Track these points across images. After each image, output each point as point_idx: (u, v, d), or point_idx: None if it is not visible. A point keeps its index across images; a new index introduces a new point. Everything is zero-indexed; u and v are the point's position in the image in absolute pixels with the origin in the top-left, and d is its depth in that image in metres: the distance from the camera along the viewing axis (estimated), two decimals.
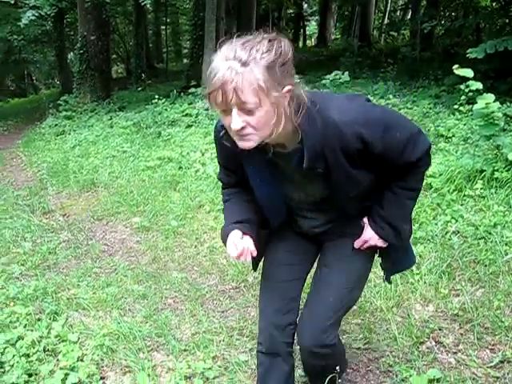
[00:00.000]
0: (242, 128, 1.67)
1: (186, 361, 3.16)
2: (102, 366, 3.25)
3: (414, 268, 3.80)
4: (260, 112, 1.65)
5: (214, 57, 1.66)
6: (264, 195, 2.07)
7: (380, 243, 2.12)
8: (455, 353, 3.09)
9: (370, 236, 2.11)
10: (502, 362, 2.95)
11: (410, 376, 2.86)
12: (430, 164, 2.05)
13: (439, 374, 2.86)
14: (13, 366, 3.18)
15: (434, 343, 3.18)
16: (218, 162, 2.19)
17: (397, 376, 2.91)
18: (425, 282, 3.73)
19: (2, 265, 4.85)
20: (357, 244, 2.16)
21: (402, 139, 1.85)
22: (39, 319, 3.75)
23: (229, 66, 1.59)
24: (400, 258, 2.31)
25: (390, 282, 2.48)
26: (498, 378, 2.84)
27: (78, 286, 4.32)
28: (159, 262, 4.76)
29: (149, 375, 3.05)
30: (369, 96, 2.28)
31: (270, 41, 1.64)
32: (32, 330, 3.57)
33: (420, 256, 4.02)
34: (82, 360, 3.25)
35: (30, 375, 3.13)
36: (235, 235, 2.00)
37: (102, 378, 3.12)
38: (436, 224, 4.40)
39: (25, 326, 3.65)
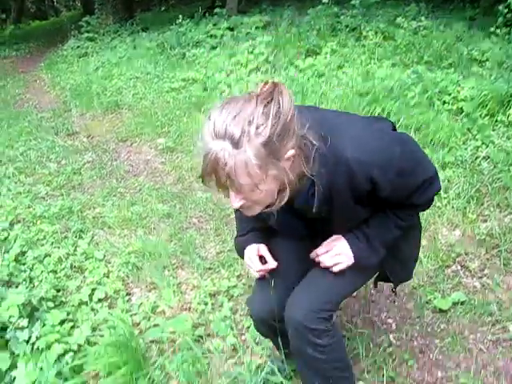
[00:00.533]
0: (242, 205, 1.56)
1: (210, 279, 3.17)
2: (128, 283, 3.28)
3: (441, 192, 3.73)
4: (259, 190, 1.49)
5: (204, 128, 1.46)
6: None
7: (346, 260, 1.90)
8: (480, 277, 3.04)
9: (340, 249, 1.90)
10: None
11: (435, 298, 2.84)
12: (430, 206, 1.92)
13: (463, 297, 2.82)
14: (41, 281, 3.24)
15: (459, 267, 3.12)
16: None
17: (421, 298, 2.88)
18: (452, 207, 3.63)
19: (28, 185, 4.88)
20: (320, 251, 1.94)
21: (413, 186, 1.73)
22: (65, 237, 3.79)
23: (220, 147, 1.40)
24: (397, 271, 2.11)
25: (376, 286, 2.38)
26: None
27: (103, 206, 4.33)
28: (184, 182, 4.72)
29: (174, 292, 3.07)
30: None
31: (265, 105, 1.42)
32: (59, 248, 3.62)
33: (448, 181, 3.90)
34: (107, 277, 3.29)
35: (58, 290, 3.18)
36: (251, 252, 2.00)
37: (127, 294, 3.15)
38: (466, 149, 4.25)
39: (51, 244, 3.70)
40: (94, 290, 3.15)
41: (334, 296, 1.93)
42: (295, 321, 1.85)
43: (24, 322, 2.69)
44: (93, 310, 2.99)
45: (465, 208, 3.60)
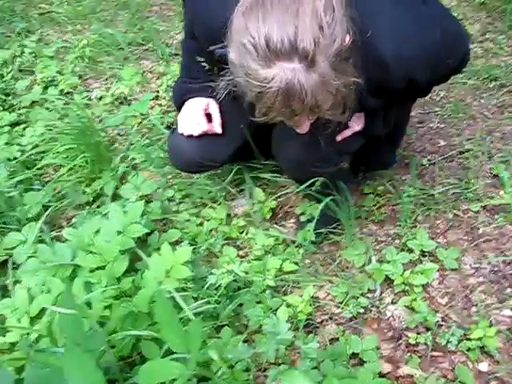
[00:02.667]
0: None
1: (178, 63, 2.75)
2: (86, 79, 2.86)
3: None
4: (337, 102, 1.12)
5: (241, 48, 1.04)
6: None
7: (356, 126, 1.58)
8: (481, 42, 2.73)
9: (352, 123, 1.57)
10: None
11: None
12: None
13: None
14: None
15: None
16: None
17: None
18: None
19: None
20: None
21: (451, 66, 1.38)
22: (9, 36, 3.28)
23: (290, 71, 1.01)
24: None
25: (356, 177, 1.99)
26: None
27: (50, 3, 3.74)
28: None
29: (138, 82, 2.67)
30: None
31: None
32: (3, 51, 3.12)
33: None
34: (61, 74, 2.85)
35: (6, 94, 2.77)
36: (198, 106, 1.62)
37: (86, 91, 2.74)
38: None
39: None
40: (46, 87, 2.75)
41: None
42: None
43: None
44: (47, 109, 2.60)
45: None
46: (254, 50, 1.01)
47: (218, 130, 1.62)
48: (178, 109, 1.67)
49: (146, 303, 1.24)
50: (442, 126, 2.21)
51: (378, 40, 1.22)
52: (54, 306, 1.40)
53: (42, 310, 1.50)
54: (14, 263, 1.73)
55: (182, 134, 1.63)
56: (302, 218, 1.83)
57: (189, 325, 0.90)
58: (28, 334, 1.46)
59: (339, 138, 1.57)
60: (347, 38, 1.07)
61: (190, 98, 1.64)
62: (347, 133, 1.58)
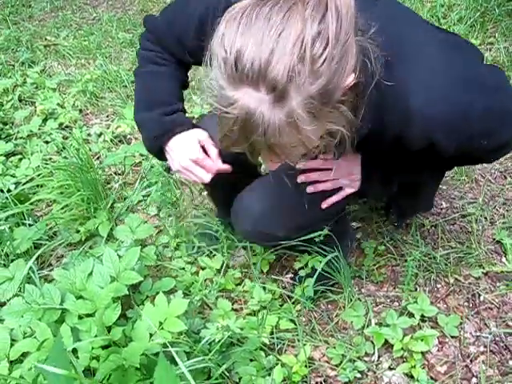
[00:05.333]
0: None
1: None
2: (86, 114, 2.84)
3: (440, 17, 3.27)
4: (308, 146, 0.97)
5: (214, 58, 0.90)
6: None
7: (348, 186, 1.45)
8: None
9: (343, 181, 1.44)
10: None
11: None
12: None
13: None
14: None
15: None
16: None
17: None
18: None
19: None
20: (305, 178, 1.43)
21: (489, 148, 1.19)
22: (13, 66, 3.26)
23: (256, 101, 0.86)
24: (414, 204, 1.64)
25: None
26: None
27: (56, 36, 3.76)
28: (148, 12, 4.12)
29: None
30: None
31: (321, 19, 0.84)
32: (4, 79, 3.11)
33: (448, 8, 3.41)
34: (62, 106, 2.83)
35: (4, 123, 2.73)
36: (195, 140, 1.38)
37: (86, 126, 2.71)
38: None
39: None
40: (45, 119, 2.71)
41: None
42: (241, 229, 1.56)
43: None
44: (45, 142, 2.56)
45: (467, 34, 3.14)
46: (224, 64, 0.87)
47: (222, 166, 1.39)
48: (158, 152, 1.44)
49: (137, 357, 1.18)
50: (445, 187, 2.18)
51: (410, 89, 1.06)
52: (38, 353, 1.35)
53: (23, 354, 1.43)
54: None
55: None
56: (301, 273, 1.78)
57: None
58: (6, 380, 1.38)
59: (324, 205, 1.44)
60: (348, 79, 0.92)
61: (174, 134, 1.38)
62: (335, 198, 1.44)
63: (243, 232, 1.59)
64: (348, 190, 1.44)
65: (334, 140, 1.02)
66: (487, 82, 1.13)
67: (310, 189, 1.42)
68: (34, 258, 1.68)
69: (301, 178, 1.40)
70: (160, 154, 1.44)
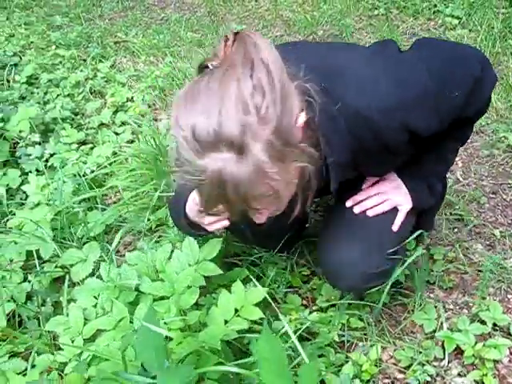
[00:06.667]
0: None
1: None
2: (156, 109, 2.89)
3: None
4: (284, 191, 1.07)
5: (174, 142, 0.99)
6: None
7: (404, 204, 1.50)
8: None
9: (396, 198, 1.48)
10: None
11: (506, 138, 2.44)
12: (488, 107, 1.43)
13: None
14: (57, 104, 2.83)
15: None
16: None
17: (491, 136, 2.51)
18: None
19: (43, 16, 4.38)
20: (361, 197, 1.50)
21: (461, 100, 1.25)
22: (84, 61, 3.35)
23: (220, 162, 0.94)
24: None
25: None
26: None
27: (126, 34, 3.85)
28: (216, 14, 4.19)
29: None
30: None
31: (251, 75, 0.94)
32: (76, 72, 3.19)
33: None
34: (131, 100, 2.88)
35: (75, 114, 2.81)
36: None
37: (154, 120, 2.76)
38: None
39: (68, 69, 3.27)
40: (115, 112, 2.77)
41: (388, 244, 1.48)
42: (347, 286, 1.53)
43: (36, 138, 2.35)
44: (115, 133, 2.61)
45: None
46: (185, 141, 0.95)
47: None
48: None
49: (217, 340, 1.17)
50: None
51: (351, 97, 1.15)
52: (114, 331, 1.36)
53: (96, 333, 1.45)
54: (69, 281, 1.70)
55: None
56: None
57: (300, 368, 0.82)
58: (80, 355, 1.40)
59: (395, 227, 1.48)
60: (300, 119, 1.01)
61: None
62: (400, 216, 1.48)
63: (351, 287, 1.57)
64: (405, 207, 1.49)
65: (304, 179, 1.08)
66: (413, 57, 1.25)
67: (369, 213, 1.47)
68: (117, 237, 1.71)
69: (395, 229, 1.47)
70: (194, 228, 1.46)
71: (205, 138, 0.92)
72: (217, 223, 1.33)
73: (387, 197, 1.48)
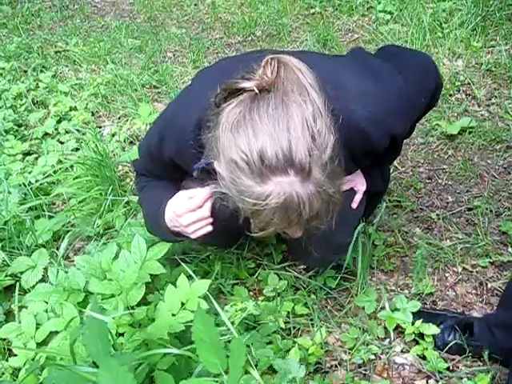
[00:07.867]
0: None
1: None
2: (99, 116, 2.91)
3: (441, 21, 3.41)
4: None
5: (233, 165, 0.99)
6: None
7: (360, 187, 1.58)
8: (488, 105, 2.77)
9: (355, 180, 1.57)
10: None
11: (439, 126, 2.58)
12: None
13: (473, 122, 2.56)
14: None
15: (464, 96, 2.84)
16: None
17: (425, 124, 2.63)
18: (455, 37, 3.26)
19: None
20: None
21: (424, 104, 1.43)
22: (25, 71, 3.34)
23: (287, 184, 0.96)
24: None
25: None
26: None
27: (66, 43, 3.84)
28: (156, 20, 4.23)
29: (151, 123, 2.71)
30: None
31: (308, 95, 0.98)
32: (17, 84, 3.18)
33: (449, 13, 3.53)
34: (74, 109, 2.90)
35: (19, 125, 2.80)
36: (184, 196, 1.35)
37: (98, 127, 2.78)
38: None
39: (10, 81, 3.26)
40: (59, 121, 2.78)
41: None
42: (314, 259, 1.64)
43: None
44: (60, 142, 2.63)
45: (469, 38, 3.23)
46: (248, 166, 0.96)
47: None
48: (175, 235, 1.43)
49: (165, 331, 1.23)
50: (450, 183, 2.25)
51: (339, 106, 1.16)
52: (65, 332, 1.40)
53: (48, 336, 1.49)
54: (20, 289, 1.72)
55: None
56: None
57: (231, 343, 0.88)
58: (33, 359, 1.43)
59: (354, 205, 1.56)
60: (334, 138, 1.03)
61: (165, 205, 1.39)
62: (358, 197, 1.56)
63: (318, 260, 1.70)
64: (362, 188, 1.57)
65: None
66: (384, 68, 1.32)
67: (353, 205, 1.57)
68: (64, 244, 1.74)
69: (354, 206, 1.56)
70: (176, 236, 1.43)
71: (274, 162, 0.94)
72: (201, 230, 1.32)
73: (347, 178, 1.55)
